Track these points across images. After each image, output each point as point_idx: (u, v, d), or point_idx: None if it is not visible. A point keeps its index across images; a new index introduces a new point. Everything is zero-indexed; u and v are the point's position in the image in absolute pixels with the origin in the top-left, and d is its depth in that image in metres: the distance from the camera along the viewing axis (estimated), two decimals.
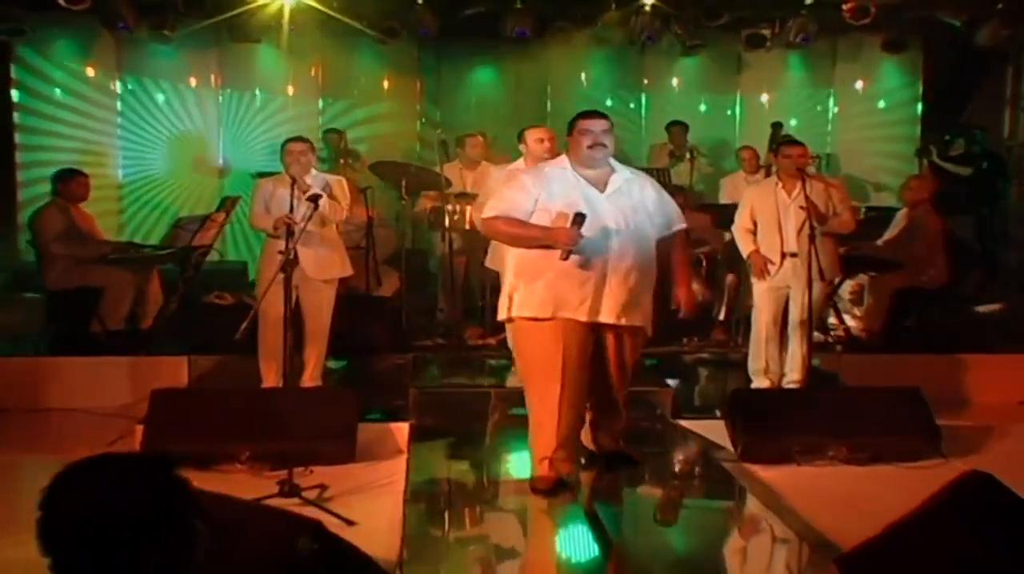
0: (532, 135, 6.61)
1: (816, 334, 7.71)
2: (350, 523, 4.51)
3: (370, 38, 10.79)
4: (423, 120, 11.93)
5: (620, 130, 11.84)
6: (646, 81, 12.05)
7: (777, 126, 10.39)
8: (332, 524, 4.47)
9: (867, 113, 11.80)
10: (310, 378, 6.57)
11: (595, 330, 4.77)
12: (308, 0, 10.07)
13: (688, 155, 10.16)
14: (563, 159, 4.89)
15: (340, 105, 11.77)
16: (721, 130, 11.76)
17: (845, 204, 6.71)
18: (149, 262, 7.50)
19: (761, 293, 6.69)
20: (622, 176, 4.87)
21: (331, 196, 6.46)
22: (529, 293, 4.68)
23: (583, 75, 11.91)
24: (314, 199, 5.39)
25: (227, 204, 7.70)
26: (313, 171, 6.59)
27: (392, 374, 7.06)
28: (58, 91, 10.94)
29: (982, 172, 10.15)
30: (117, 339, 7.12)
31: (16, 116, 10.73)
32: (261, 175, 9.97)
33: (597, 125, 4.81)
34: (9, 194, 10.88)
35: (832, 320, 7.99)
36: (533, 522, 4.58)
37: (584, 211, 4.65)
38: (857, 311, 8.00)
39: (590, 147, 4.73)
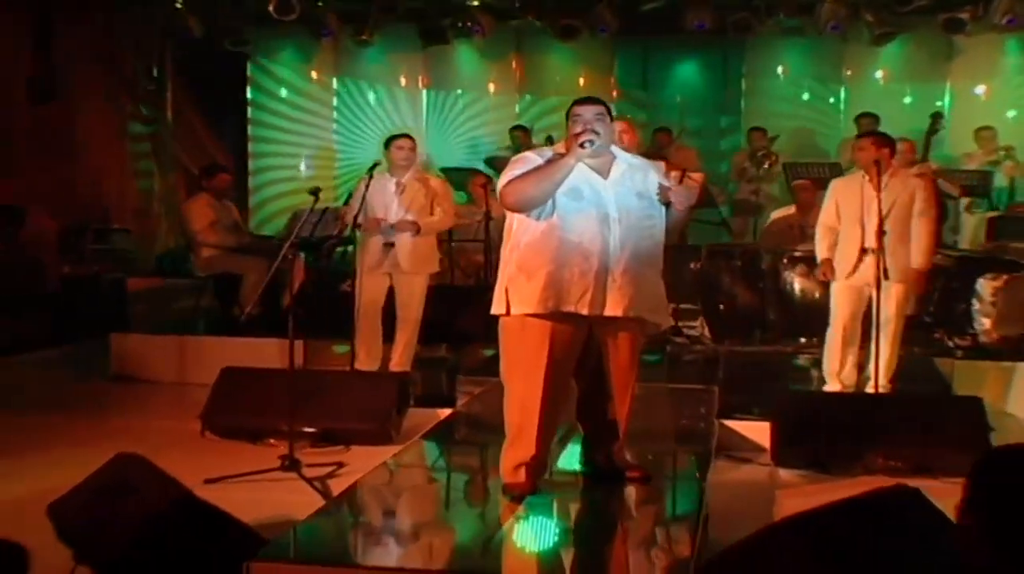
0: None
1: (940, 337, 7.36)
2: (327, 497, 4.87)
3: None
4: (618, 116, 12.01)
5: (817, 125, 11.66)
6: (849, 72, 11.57)
7: (936, 116, 9.72)
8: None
9: None
10: (397, 363, 6.97)
11: (593, 328, 4.51)
12: (492, 1, 10.54)
13: None
14: (561, 146, 4.62)
15: (537, 102, 12.13)
16: (926, 123, 11.05)
17: (929, 203, 6.33)
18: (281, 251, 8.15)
19: (838, 291, 6.40)
20: (624, 162, 4.61)
21: (434, 201, 6.91)
22: (530, 288, 4.43)
23: (780, 68, 11.63)
24: (314, 193, 5.76)
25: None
26: (414, 168, 7.01)
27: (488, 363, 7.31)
28: (284, 95, 12.04)
29: None
30: (254, 322, 7.81)
31: (249, 123, 12.00)
32: (444, 170, 10.63)
33: (588, 110, 4.50)
34: (243, 194, 12.16)
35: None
36: (473, 513, 4.62)
37: (585, 196, 4.45)
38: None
39: (579, 133, 4.40)
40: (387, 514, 4.45)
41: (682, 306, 7.76)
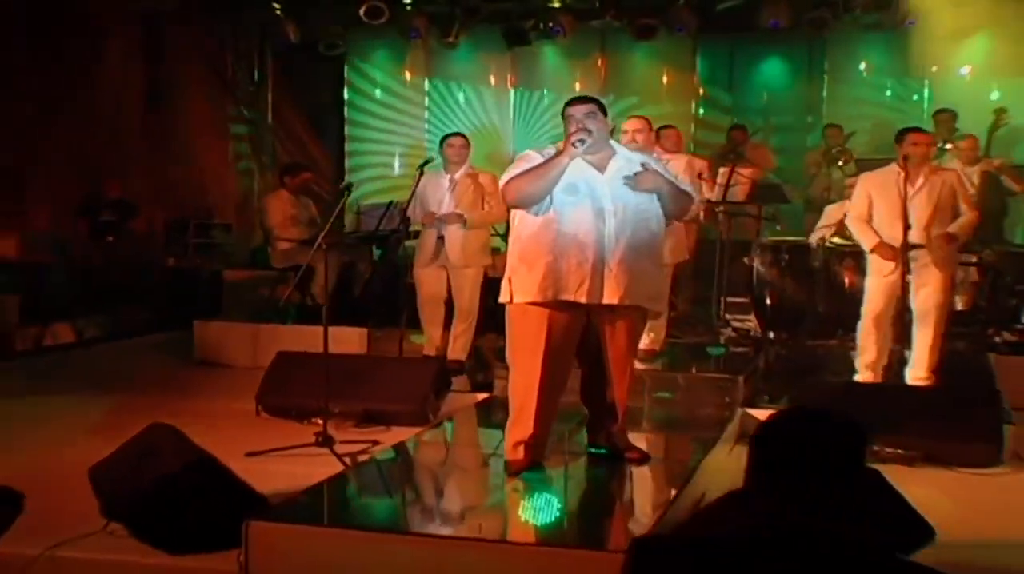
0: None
1: (991, 333, 7.38)
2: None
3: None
4: (699, 114, 12.21)
5: (899, 121, 11.51)
6: (934, 68, 11.46)
7: (1000, 112, 9.55)
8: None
9: None
10: (454, 351, 7.35)
11: (591, 317, 4.79)
12: (571, 2, 10.84)
13: (942, 144, 9.67)
14: (561, 145, 4.83)
15: (620, 101, 12.30)
16: (1016, 117, 10.78)
17: (969, 198, 6.41)
18: (353, 246, 8.66)
19: (875, 286, 6.47)
20: (623, 158, 4.85)
21: (484, 196, 7.25)
22: (531, 278, 4.73)
23: (862, 63, 11.60)
24: (347, 188, 6.15)
25: None
26: (467, 165, 7.38)
27: None
28: (379, 96, 12.60)
29: None
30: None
31: (346, 123, 12.59)
32: None
33: (579, 110, 4.78)
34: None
35: None
36: (472, 486, 4.96)
37: (581, 191, 4.71)
38: None
39: (572, 132, 4.69)
40: (390, 485, 4.82)
41: (732, 299, 7.96)
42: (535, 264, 4.73)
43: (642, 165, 4.88)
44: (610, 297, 4.70)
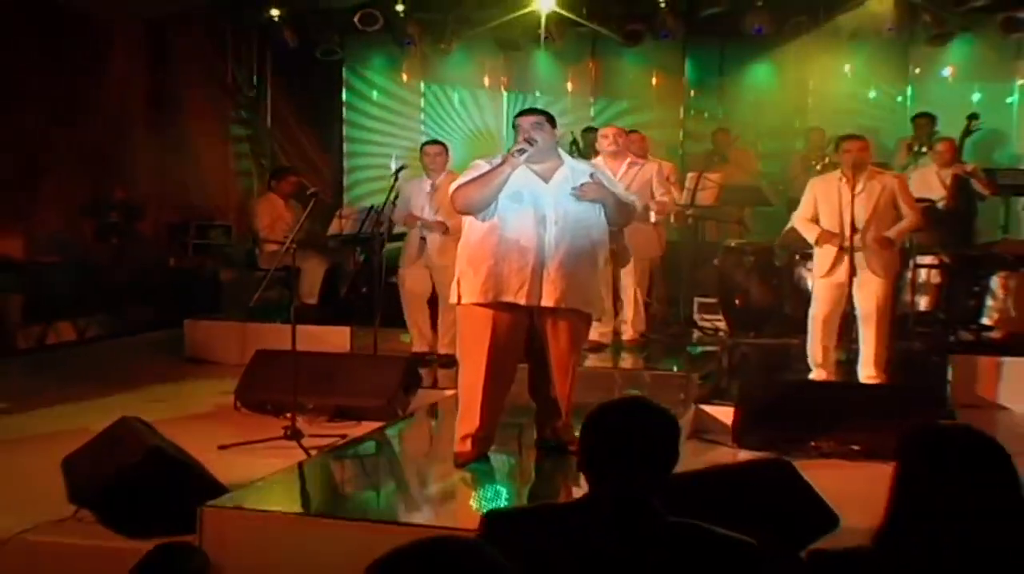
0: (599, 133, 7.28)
1: (951, 333, 7.60)
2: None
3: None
4: (688, 117, 12.44)
5: (882, 124, 11.76)
6: (918, 70, 11.66)
7: (972, 118, 9.72)
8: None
9: None
10: (443, 346, 7.63)
11: (534, 318, 5.03)
12: (559, 9, 11.06)
13: (919, 148, 9.89)
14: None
15: (611, 104, 12.58)
16: (996, 120, 11.03)
17: (912, 203, 6.64)
18: (337, 249, 8.95)
19: (819, 287, 6.73)
20: (568, 167, 5.10)
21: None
22: (475, 281, 4.97)
23: (847, 67, 11.79)
24: (314, 195, 6.44)
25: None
26: (446, 171, 7.66)
27: None
28: (376, 99, 12.89)
29: None
30: (311, 310, 8.60)
31: (344, 125, 12.89)
32: None
33: (527, 120, 5.05)
34: (338, 191, 13.04)
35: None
36: (421, 476, 5.23)
37: (525, 199, 4.96)
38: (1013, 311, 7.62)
39: (518, 142, 4.98)
40: (342, 475, 5.11)
41: (701, 300, 8.22)
42: (479, 267, 5.02)
43: (590, 176, 5.16)
44: (548, 300, 4.98)
